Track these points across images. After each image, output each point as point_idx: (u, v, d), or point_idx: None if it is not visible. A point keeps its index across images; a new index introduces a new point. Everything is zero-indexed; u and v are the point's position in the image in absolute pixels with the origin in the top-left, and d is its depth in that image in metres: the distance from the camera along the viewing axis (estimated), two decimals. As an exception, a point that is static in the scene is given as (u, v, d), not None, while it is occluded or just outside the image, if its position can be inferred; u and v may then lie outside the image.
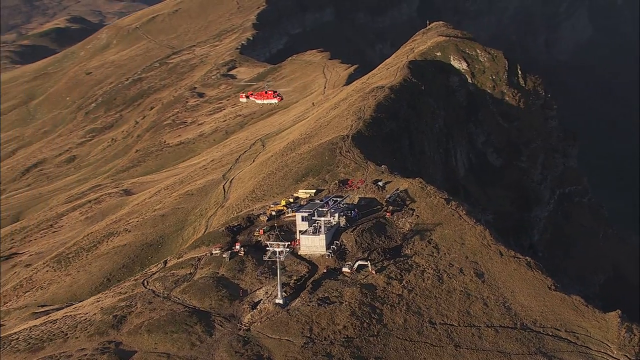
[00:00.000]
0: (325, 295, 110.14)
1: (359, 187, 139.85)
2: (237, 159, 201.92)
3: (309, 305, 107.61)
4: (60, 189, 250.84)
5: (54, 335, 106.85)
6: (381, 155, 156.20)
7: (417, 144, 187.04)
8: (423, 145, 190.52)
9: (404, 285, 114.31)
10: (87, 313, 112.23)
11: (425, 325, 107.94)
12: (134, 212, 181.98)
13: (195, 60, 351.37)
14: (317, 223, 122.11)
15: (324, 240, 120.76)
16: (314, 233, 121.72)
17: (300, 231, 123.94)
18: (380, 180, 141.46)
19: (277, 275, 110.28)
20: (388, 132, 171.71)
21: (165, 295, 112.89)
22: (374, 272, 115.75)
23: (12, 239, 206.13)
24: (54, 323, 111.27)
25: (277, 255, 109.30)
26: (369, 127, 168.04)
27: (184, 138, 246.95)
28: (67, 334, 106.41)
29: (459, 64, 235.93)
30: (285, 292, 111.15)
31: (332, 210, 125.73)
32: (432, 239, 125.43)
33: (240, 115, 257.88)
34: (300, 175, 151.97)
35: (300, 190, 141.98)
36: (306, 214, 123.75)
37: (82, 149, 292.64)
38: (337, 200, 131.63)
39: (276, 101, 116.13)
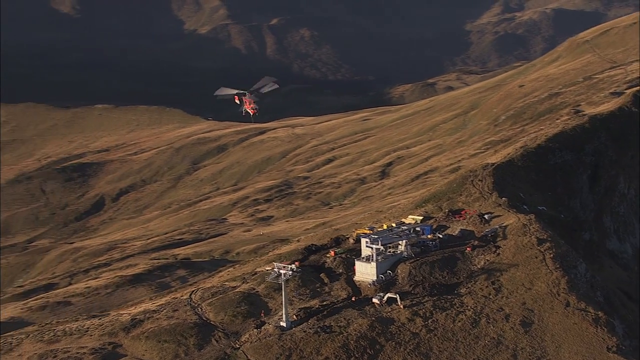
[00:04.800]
0: (331, 323, 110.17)
1: (464, 218, 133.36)
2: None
3: (305, 332, 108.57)
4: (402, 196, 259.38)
5: (77, 330, 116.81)
6: (531, 189, 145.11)
7: (605, 179, 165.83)
8: (617, 181, 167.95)
9: (426, 323, 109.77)
10: (128, 313, 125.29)
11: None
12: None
13: (619, 76, 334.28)
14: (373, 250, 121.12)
15: (375, 268, 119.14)
16: (367, 260, 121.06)
17: (362, 257, 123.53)
18: (487, 214, 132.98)
19: (284, 298, 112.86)
20: (558, 164, 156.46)
21: (195, 305, 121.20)
22: (401, 306, 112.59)
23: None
24: (99, 319, 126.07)
25: (282, 277, 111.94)
26: (527, 157, 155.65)
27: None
28: (87, 331, 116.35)
29: None
30: (298, 315, 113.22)
31: (385, 239, 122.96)
32: (498, 280, 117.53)
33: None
34: (423, 200, 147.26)
35: (409, 216, 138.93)
36: (370, 241, 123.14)
37: (469, 161, 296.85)
38: (405, 228, 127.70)
39: (251, 113, 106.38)
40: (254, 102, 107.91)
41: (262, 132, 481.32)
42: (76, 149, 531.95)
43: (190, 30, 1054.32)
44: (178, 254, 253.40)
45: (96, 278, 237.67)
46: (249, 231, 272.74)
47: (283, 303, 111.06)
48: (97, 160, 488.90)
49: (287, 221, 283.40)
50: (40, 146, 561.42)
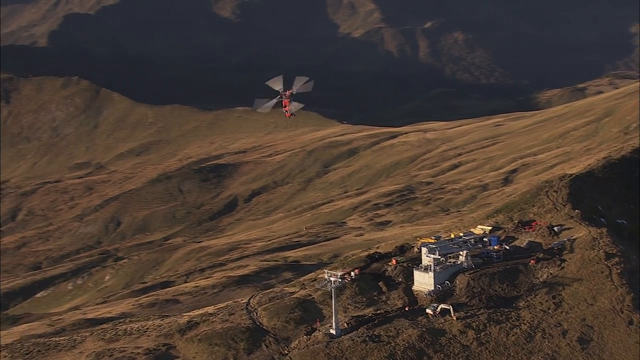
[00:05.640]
0: (381, 333, 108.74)
1: (534, 230, 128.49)
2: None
3: (353, 340, 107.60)
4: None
5: (137, 330, 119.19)
6: (611, 201, 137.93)
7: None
8: None
9: (478, 336, 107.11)
10: (188, 315, 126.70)
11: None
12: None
13: None
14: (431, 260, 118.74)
15: (432, 278, 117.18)
16: (425, 270, 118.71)
17: (420, 266, 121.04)
18: (557, 226, 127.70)
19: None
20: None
21: (252, 309, 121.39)
22: (454, 317, 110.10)
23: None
24: (161, 319, 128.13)
25: (331, 284, 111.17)
26: (609, 168, 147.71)
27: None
28: (146, 331, 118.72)
29: None
30: (349, 323, 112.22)
31: (444, 249, 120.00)
32: (560, 294, 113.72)
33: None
34: (495, 211, 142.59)
35: (478, 226, 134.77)
36: (428, 250, 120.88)
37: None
38: (466, 239, 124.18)
39: (286, 116, 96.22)
40: (289, 105, 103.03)
41: (394, 137, 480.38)
42: (215, 150, 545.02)
43: (344, 34, 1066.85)
44: (289, 257, 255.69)
45: (208, 278, 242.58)
46: (361, 235, 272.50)
47: (333, 311, 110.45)
48: (233, 161, 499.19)
49: (401, 227, 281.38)
50: (183, 147, 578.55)
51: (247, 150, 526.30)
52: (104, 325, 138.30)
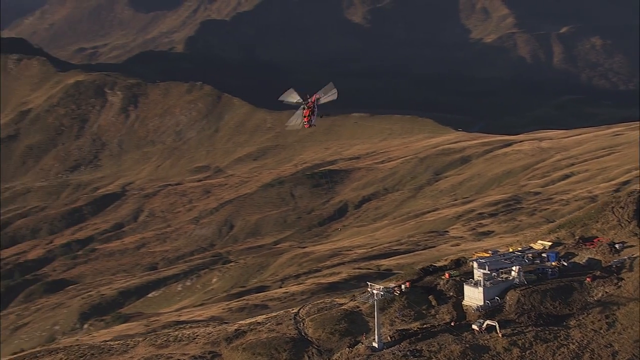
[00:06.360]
0: (423, 347, 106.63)
1: (595, 247, 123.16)
2: None
3: (394, 354, 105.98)
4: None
5: (187, 337, 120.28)
6: None
7: None
8: None
9: (523, 355, 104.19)
10: (239, 323, 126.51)
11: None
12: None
13: None
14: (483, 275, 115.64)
15: (482, 294, 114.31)
16: (475, 285, 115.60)
17: (470, 281, 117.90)
18: (619, 243, 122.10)
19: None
20: None
21: (300, 320, 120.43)
22: (500, 334, 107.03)
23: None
24: (213, 327, 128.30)
25: (375, 297, 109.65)
26: None
27: None
28: (195, 338, 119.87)
29: None
30: (392, 337, 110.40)
31: (494, 264, 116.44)
32: (613, 314, 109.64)
33: None
34: (557, 226, 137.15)
35: (538, 241, 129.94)
36: (477, 265, 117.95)
37: None
38: (519, 254, 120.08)
39: (305, 126, 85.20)
40: (309, 115, 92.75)
41: (508, 145, 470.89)
42: (330, 156, 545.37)
43: (475, 39, 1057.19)
44: (382, 265, 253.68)
45: (300, 284, 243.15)
46: (457, 245, 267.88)
47: (375, 323, 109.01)
48: (345, 167, 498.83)
49: (500, 237, 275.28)
50: (299, 152, 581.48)
51: (360, 157, 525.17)
52: (165, 330, 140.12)
